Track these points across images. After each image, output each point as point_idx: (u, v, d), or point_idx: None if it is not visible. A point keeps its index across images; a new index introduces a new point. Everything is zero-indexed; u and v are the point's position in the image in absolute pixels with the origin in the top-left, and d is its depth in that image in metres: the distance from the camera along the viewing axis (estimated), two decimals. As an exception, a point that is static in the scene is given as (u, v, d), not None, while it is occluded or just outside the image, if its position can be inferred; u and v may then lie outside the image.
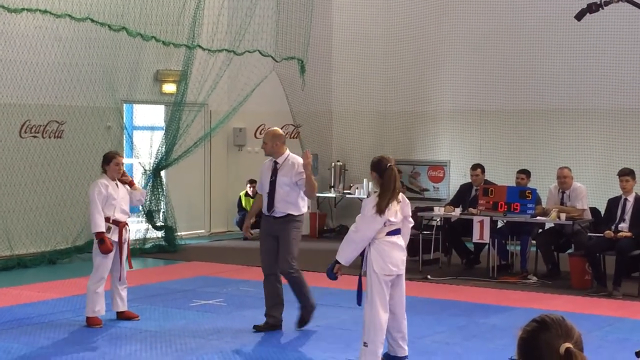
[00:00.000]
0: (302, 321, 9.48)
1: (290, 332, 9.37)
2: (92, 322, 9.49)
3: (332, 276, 7.88)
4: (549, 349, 2.68)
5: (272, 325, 9.36)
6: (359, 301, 7.87)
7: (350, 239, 7.73)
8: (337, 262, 7.80)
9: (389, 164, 7.78)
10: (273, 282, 9.38)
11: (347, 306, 9.93)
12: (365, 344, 7.64)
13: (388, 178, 7.69)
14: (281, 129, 18.36)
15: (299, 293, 9.43)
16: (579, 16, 10.22)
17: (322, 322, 9.74)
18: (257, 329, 9.33)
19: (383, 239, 7.68)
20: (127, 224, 9.74)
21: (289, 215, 9.29)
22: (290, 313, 9.50)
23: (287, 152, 9.46)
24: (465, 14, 17.23)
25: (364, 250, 7.74)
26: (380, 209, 7.61)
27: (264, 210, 9.38)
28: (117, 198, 9.62)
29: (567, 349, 2.66)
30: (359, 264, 7.87)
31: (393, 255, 7.72)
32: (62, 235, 14.56)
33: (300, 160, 9.31)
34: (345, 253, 7.73)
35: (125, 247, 9.73)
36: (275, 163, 9.36)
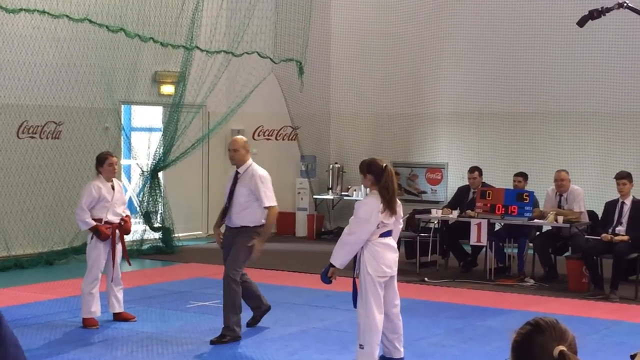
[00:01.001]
0: (256, 319, 9.58)
1: (285, 334, 9.37)
2: (88, 323, 9.48)
3: (327, 280, 7.87)
4: (543, 352, 2.68)
5: (263, 312, 9.53)
6: (355, 303, 7.86)
7: (344, 241, 7.71)
8: (331, 265, 7.78)
9: (384, 165, 7.77)
10: (245, 285, 9.28)
11: (343, 308, 9.92)
12: (361, 346, 7.63)
13: (387, 179, 7.68)
14: (279, 130, 18.71)
15: (226, 302, 8.99)
16: (581, 22, 10.22)
17: (319, 324, 9.74)
18: (248, 324, 9.42)
19: (376, 241, 7.68)
20: (120, 225, 9.67)
21: (245, 227, 9.03)
22: (275, 315, 9.49)
23: (250, 161, 9.17)
24: (464, 17, 17.23)
25: (356, 253, 7.74)
26: (392, 210, 7.61)
27: (226, 220, 9.22)
28: (111, 200, 9.59)
29: (561, 351, 2.66)
30: (352, 267, 7.86)
31: (386, 256, 7.71)
32: (59, 236, 14.55)
33: (259, 172, 9.05)
34: (340, 256, 7.71)
35: (118, 248, 9.71)
36: (237, 172, 9.17)
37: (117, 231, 9.62)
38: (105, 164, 9.60)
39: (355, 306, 7.87)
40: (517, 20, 16.64)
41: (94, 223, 9.42)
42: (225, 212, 9.17)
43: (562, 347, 2.67)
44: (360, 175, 7.89)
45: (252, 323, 9.57)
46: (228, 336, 8.90)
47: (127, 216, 9.77)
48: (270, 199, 9.01)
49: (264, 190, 8.97)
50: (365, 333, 7.61)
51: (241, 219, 9.04)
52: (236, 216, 9.06)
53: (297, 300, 10.96)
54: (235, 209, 9.05)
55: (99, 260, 9.53)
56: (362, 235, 7.62)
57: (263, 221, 9.05)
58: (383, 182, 7.66)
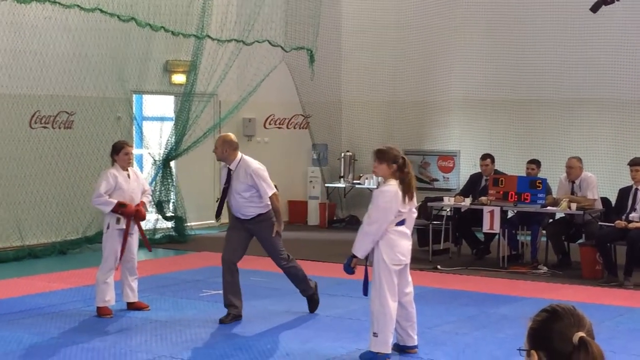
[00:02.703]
0: (313, 304, 9.67)
1: (298, 322, 9.38)
2: (102, 312, 9.51)
3: (350, 270, 7.86)
4: (562, 339, 2.65)
5: (235, 315, 9.34)
6: (365, 291, 7.86)
7: (366, 232, 7.67)
8: (353, 256, 7.77)
9: (402, 156, 7.78)
10: (232, 271, 9.37)
11: (355, 296, 9.91)
12: (375, 334, 7.63)
13: (408, 168, 7.70)
14: (290, 119, 18.70)
15: (296, 282, 9.60)
16: (595, 8, 10.21)
17: (331, 312, 9.75)
18: (222, 321, 9.25)
19: (391, 229, 7.67)
20: (136, 212, 9.67)
21: (259, 215, 9.29)
22: (287, 304, 9.49)
23: (239, 156, 9.29)
24: (476, 4, 17.16)
25: None
26: (410, 199, 7.61)
27: (232, 212, 9.42)
28: (127, 189, 9.59)
29: (581, 337, 2.63)
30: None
31: (401, 244, 7.71)
32: (73, 226, 14.60)
33: (252, 166, 9.18)
34: (362, 246, 7.69)
35: (135, 237, 9.73)
36: (229, 170, 9.29)
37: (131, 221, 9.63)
38: (121, 153, 9.60)
39: (365, 294, 7.87)
40: (529, 7, 16.56)
41: (115, 201, 9.41)
42: (222, 205, 9.41)
43: (581, 333, 2.64)
44: (374, 162, 7.84)
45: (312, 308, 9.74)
46: (315, 294, 9.59)
47: (141, 202, 9.74)
48: (268, 190, 9.19)
49: (261, 183, 9.14)
50: (379, 321, 7.61)
51: (250, 211, 9.26)
52: (244, 209, 9.26)
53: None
54: (239, 202, 9.24)
55: (115, 249, 9.54)
56: (383, 224, 7.59)
57: (269, 205, 9.25)
58: (402, 171, 7.66)
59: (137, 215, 9.63)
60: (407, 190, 7.67)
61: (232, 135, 9.53)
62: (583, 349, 2.62)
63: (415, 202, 7.90)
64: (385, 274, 7.62)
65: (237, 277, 9.40)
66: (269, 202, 9.25)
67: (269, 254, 9.57)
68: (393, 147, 7.88)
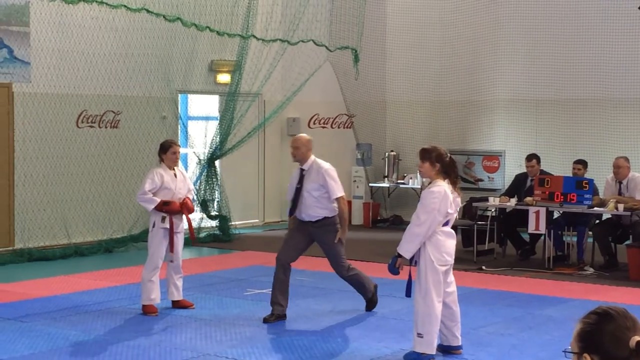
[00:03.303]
0: (371, 304, 9.81)
1: (343, 322, 9.38)
2: (147, 310, 9.58)
3: (395, 271, 7.81)
4: (616, 342, 2.57)
5: (279, 315, 9.36)
6: (408, 292, 7.82)
7: (415, 233, 7.59)
8: (399, 256, 7.72)
9: (448, 155, 7.74)
10: (285, 270, 9.42)
11: (399, 296, 9.86)
12: (420, 335, 7.59)
13: (452, 167, 7.67)
14: (335, 118, 18.70)
15: (360, 289, 9.73)
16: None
17: (376, 312, 9.73)
18: (266, 320, 9.28)
19: (438, 230, 7.63)
20: (184, 205, 9.70)
21: (324, 218, 9.34)
22: (331, 303, 9.47)
23: (312, 157, 9.43)
24: (520, 3, 17.02)
25: None
26: (451, 202, 7.58)
27: (296, 214, 9.47)
28: (173, 188, 9.63)
29: (638, 342, 2.53)
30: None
31: (448, 244, 7.68)
32: (118, 224, 14.74)
33: (325, 166, 9.31)
34: (410, 247, 7.61)
35: (180, 236, 9.78)
36: (302, 170, 9.39)
37: (175, 219, 9.67)
38: (169, 152, 9.65)
39: (407, 295, 7.83)
40: (575, 5, 16.39)
41: (159, 200, 9.47)
42: (296, 205, 9.40)
43: (638, 337, 2.54)
44: (420, 162, 7.79)
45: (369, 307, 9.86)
46: (374, 296, 9.73)
47: (186, 197, 9.78)
48: (338, 190, 9.29)
49: (332, 183, 9.23)
50: (424, 322, 7.56)
51: (317, 212, 9.30)
52: (311, 210, 9.30)
53: (353, 288, 10.93)
54: (308, 203, 9.29)
55: (160, 248, 9.60)
56: (432, 225, 7.53)
57: (336, 210, 9.32)
58: (451, 172, 7.63)
59: (185, 207, 9.67)
60: (454, 191, 7.64)
61: (309, 137, 9.64)
62: None
63: (459, 202, 7.86)
64: (432, 274, 7.58)
65: (289, 278, 9.45)
66: (336, 206, 9.31)
67: (329, 261, 9.58)
68: (438, 146, 7.84)
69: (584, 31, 16.32)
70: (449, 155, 7.77)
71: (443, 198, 7.53)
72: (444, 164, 7.63)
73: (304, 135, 9.73)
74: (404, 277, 7.92)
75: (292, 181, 9.52)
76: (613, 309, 2.62)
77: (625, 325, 2.60)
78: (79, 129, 14.40)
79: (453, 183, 7.66)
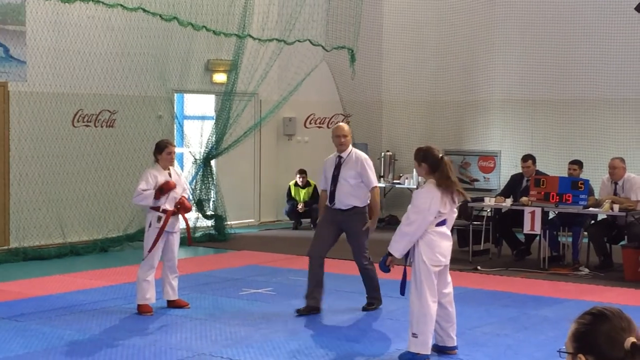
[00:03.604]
0: (370, 307, 9.81)
1: (338, 322, 9.38)
2: (142, 310, 9.57)
3: (385, 269, 7.86)
4: (610, 343, 2.56)
5: (312, 307, 9.55)
6: (402, 291, 7.83)
7: (404, 232, 7.62)
8: (389, 254, 7.74)
9: (441, 155, 7.72)
10: (318, 266, 9.60)
11: (395, 296, 9.86)
12: (414, 335, 7.59)
13: (444, 167, 7.65)
14: (331, 118, 18.69)
15: (369, 286, 9.80)
16: (639, 7, 10.09)
17: (370, 312, 9.73)
18: (299, 312, 9.48)
19: (431, 230, 7.63)
20: (176, 211, 9.69)
21: (354, 207, 9.52)
22: (326, 303, 9.47)
23: (351, 147, 9.69)
24: (516, 4, 17.04)
25: None
26: (451, 199, 7.57)
27: (328, 202, 9.66)
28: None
29: (634, 343, 2.53)
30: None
31: (441, 245, 7.67)
32: (114, 224, 14.73)
33: (363, 155, 9.58)
34: (399, 246, 7.65)
35: (176, 236, 9.76)
36: (340, 157, 9.58)
37: (170, 219, 9.65)
38: (164, 152, 9.63)
39: (402, 294, 7.84)
40: (570, 6, 16.41)
41: (154, 190, 9.44)
42: (334, 192, 9.57)
43: (633, 339, 2.54)
44: (414, 162, 7.83)
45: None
46: (374, 304, 9.79)
47: (182, 197, 9.75)
48: (374, 180, 9.60)
49: (368, 172, 9.52)
50: (419, 322, 7.56)
51: (351, 200, 9.51)
52: (345, 198, 9.51)
53: (349, 288, 10.95)
54: (344, 191, 9.50)
55: (156, 248, 9.58)
56: (422, 225, 7.55)
57: (368, 201, 9.55)
58: (440, 171, 7.61)
59: (182, 206, 9.66)
60: (447, 191, 7.61)
61: None
62: (638, 355, 2.53)
63: (457, 202, 7.85)
64: (425, 274, 7.58)
65: (323, 271, 9.64)
66: (369, 196, 9.54)
67: (352, 249, 9.74)
68: (433, 146, 7.84)
69: (580, 32, 16.34)
70: (441, 155, 7.76)
71: (433, 197, 7.54)
72: (434, 164, 7.63)
73: (344, 124, 10.00)
74: (398, 277, 7.92)
75: (326, 170, 9.67)
76: (608, 310, 2.62)
77: (620, 325, 2.59)
78: (74, 128, 14.38)
79: (442, 184, 7.59)
